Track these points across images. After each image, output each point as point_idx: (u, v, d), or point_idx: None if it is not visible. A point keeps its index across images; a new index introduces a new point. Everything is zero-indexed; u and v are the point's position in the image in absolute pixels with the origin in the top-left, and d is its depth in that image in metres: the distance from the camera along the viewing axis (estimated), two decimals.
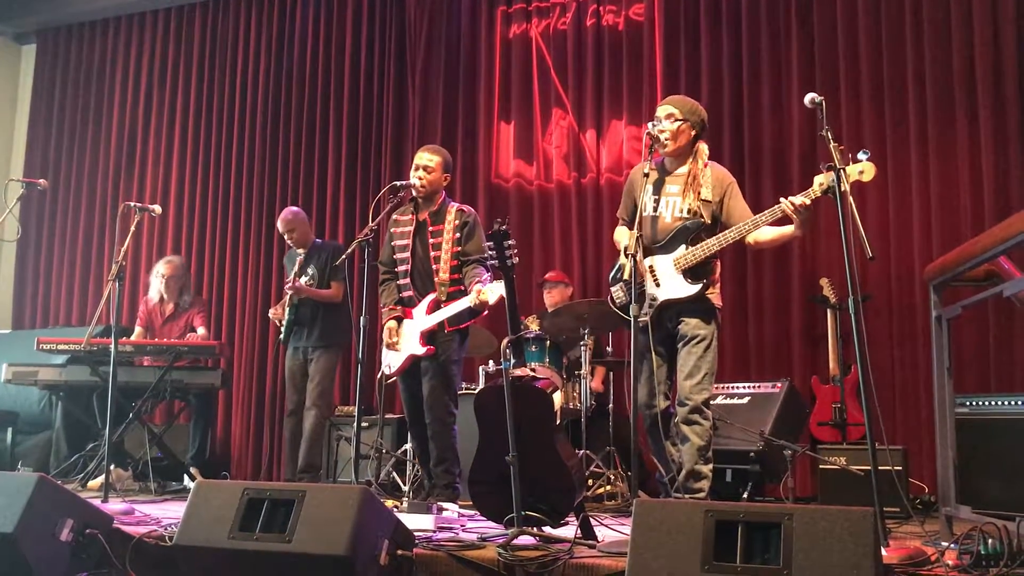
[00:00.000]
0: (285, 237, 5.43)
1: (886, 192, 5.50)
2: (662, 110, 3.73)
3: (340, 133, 7.17)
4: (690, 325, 3.60)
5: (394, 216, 4.47)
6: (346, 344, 5.56)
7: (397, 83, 7.03)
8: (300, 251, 5.40)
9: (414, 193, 4.31)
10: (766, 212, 3.48)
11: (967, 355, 5.11)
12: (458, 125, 6.78)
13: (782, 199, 3.40)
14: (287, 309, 5.22)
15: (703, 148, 3.76)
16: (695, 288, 3.58)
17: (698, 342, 3.58)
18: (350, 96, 7.19)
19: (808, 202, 3.35)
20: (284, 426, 5.32)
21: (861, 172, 3.23)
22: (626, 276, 3.45)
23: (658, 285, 3.65)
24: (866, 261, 2.96)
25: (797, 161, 5.75)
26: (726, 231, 3.57)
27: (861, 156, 3.25)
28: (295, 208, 5.56)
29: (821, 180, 3.27)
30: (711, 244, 3.58)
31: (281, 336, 5.33)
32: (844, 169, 3.11)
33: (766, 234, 3.60)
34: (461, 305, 4.07)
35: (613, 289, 3.81)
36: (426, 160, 4.31)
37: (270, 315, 5.46)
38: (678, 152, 3.71)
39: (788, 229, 3.54)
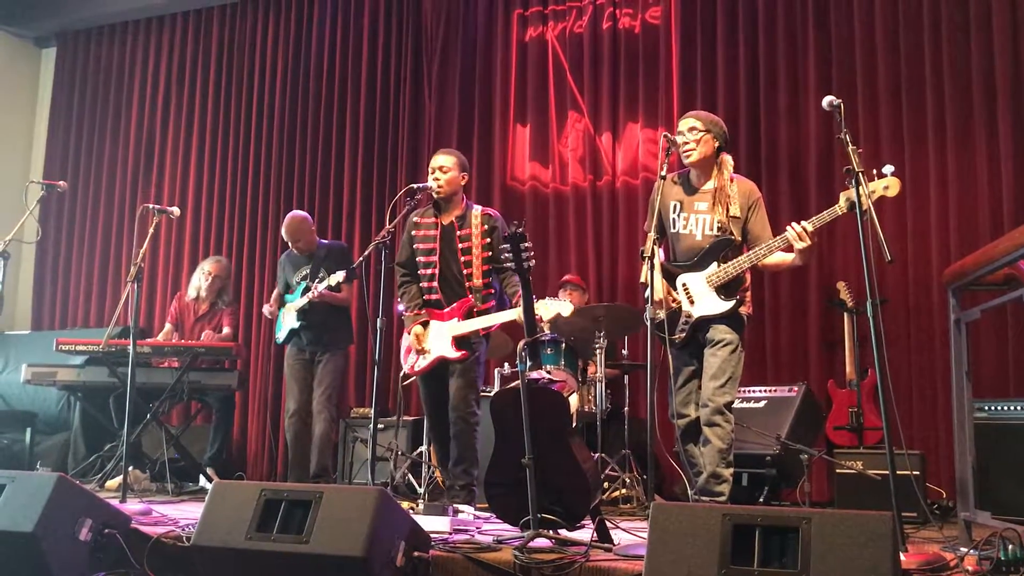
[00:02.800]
0: (291, 245, 5.37)
1: (904, 195, 5.44)
2: (684, 124, 3.75)
3: (356, 136, 7.19)
4: (718, 330, 3.65)
5: (414, 219, 4.46)
6: (351, 346, 5.56)
7: (413, 86, 7.05)
8: (304, 255, 5.36)
9: (434, 196, 4.32)
10: (779, 237, 3.54)
11: (986, 359, 5.06)
12: (474, 128, 6.79)
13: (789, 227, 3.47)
14: (295, 314, 5.17)
15: (728, 160, 3.77)
16: (728, 304, 3.64)
17: (724, 345, 3.62)
18: (366, 99, 7.21)
19: (812, 229, 3.41)
20: (287, 427, 5.20)
21: (886, 188, 3.28)
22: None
23: (692, 303, 3.69)
24: (884, 265, 2.94)
25: (814, 165, 5.72)
26: (756, 249, 3.61)
27: (886, 171, 3.25)
28: (301, 213, 5.48)
29: (849, 195, 3.23)
30: (742, 261, 3.63)
31: (279, 337, 5.31)
32: (862, 174, 3.09)
33: (771, 258, 3.65)
34: (503, 316, 4.11)
35: (648, 307, 3.80)
36: (440, 162, 4.32)
37: (266, 313, 5.41)
38: (703, 163, 3.72)
39: (790, 257, 3.60)
